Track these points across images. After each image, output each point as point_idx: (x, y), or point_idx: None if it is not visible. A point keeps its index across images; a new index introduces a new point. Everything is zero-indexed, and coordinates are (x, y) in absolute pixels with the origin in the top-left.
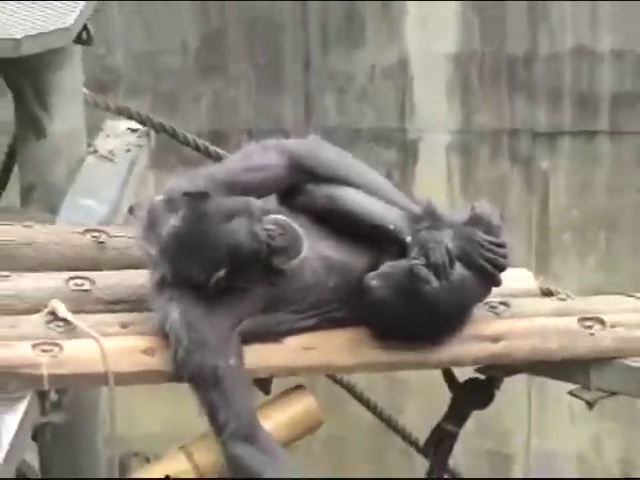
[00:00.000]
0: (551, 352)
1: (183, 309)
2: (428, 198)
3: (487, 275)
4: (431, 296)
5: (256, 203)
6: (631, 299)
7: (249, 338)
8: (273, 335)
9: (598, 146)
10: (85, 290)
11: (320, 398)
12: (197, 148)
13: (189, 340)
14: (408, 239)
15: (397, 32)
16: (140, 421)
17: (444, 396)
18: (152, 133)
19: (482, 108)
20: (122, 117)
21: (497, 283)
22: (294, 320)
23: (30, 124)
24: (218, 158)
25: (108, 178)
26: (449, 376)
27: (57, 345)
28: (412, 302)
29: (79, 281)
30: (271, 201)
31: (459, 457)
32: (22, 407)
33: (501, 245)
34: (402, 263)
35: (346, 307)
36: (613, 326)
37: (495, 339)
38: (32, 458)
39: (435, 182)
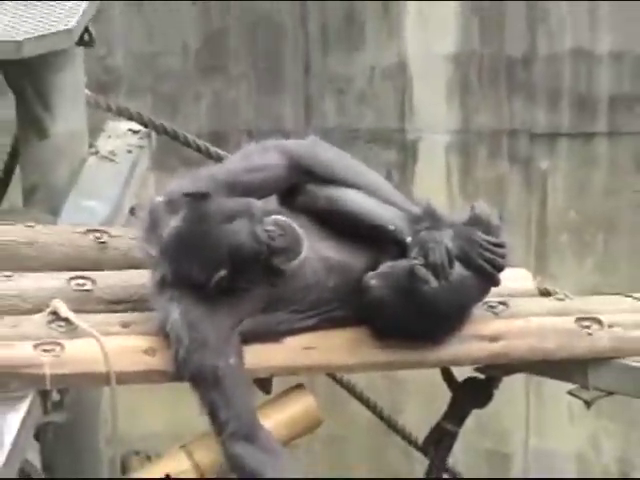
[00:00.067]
0: (549, 351)
1: (184, 309)
2: (427, 198)
3: (486, 275)
4: (430, 296)
5: (257, 204)
6: (629, 299)
7: (249, 338)
8: (273, 335)
9: (596, 147)
10: (87, 290)
11: (320, 398)
12: (198, 149)
13: (190, 340)
14: (408, 239)
15: (396, 33)
16: (141, 420)
17: (443, 395)
18: (153, 134)
19: (481, 109)
20: (123, 118)
21: (496, 283)
22: (294, 320)
23: (32, 125)
24: (218, 159)
25: (110, 179)
26: (448, 375)
27: (59, 345)
28: (411, 302)
29: (81, 281)
30: (272, 202)
31: (458, 456)
32: (24, 407)
33: (500, 245)
34: (402, 263)
35: (346, 307)
36: (610, 326)
37: (494, 339)
38: (34, 457)
39: (434, 182)
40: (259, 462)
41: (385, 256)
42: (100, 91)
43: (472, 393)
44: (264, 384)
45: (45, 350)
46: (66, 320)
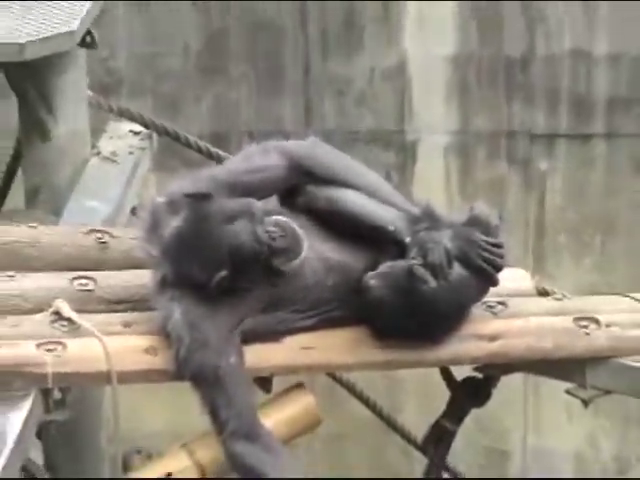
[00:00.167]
0: (547, 351)
1: (185, 309)
2: (427, 199)
3: (485, 275)
4: (429, 295)
5: (257, 205)
6: (627, 299)
7: (250, 337)
8: (273, 334)
9: (594, 148)
10: (89, 290)
11: (320, 397)
12: (199, 150)
13: (191, 339)
14: (407, 240)
15: (395, 35)
16: (143, 419)
17: (442, 394)
18: (154, 135)
19: (480, 110)
20: (125, 119)
21: (494, 283)
22: (294, 319)
23: (35, 127)
24: (219, 160)
25: (111, 179)
26: (447, 375)
27: (61, 344)
28: (410, 301)
29: (83, 281)
30: (272, 202)
31: (457, 454)
32: (26, 405)
33: (499, 245)
34: (401, 263)
35: (346, 306)
36: (608, 325)
37: (492, 338)
38: (36, 456)
39: (433, 183)
40: (260, 461)
41: (385, 256)
42: (102, 92)
43: (471, 392)
44: (264, 383)
45: (48, 349)
46: (68, 320)
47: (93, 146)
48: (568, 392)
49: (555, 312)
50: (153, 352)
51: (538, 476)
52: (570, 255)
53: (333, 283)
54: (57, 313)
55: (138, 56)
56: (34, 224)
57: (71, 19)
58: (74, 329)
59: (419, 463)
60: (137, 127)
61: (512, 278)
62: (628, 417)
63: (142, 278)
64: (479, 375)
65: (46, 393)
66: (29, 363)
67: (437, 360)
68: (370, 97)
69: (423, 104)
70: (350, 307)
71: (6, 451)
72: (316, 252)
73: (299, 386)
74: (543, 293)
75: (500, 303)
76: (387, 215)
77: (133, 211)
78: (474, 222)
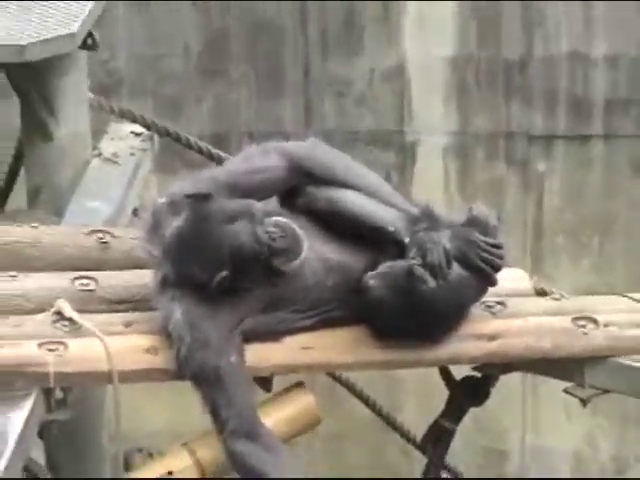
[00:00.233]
0: (545, 350)
1: (186, 309)
2: (426, 199)
3: (484, 275)
4: (428, 295)
5: (258, 205)
6: (625, 299)
7: (250, 337)
8: (274, 334)
9: (592, 150)
10: (90, 290)
11: (320, 396)
12: (199, 151)
13: (191, 339)
14: (406, 240)
15: (395, 37)
16: (144, 418)
17: (441, 394)
18: (155, 137)
19: (479, 111)
20: (126, 120)
21: (493, 283)
22: (294, 319)
23: (37, 128)
24: (220, 161)
25: (113, 180)
26: (446, 374)
27: (63, 344)
28: (410, 301)
29: (84, 281)
30: (272, 203)
31: (456, 453)
32: (28, 405)
33: (497, 246)
34: (400, 263)
35: (345, 306)
36: (606, 325)
37: (491, 338)
38: (38, 455)
39: (433, 184)
40: (260, 460)
41: (384, 256)
42: (102, 93)
43: (469, 391)
44: (265, 382)
45: (49, 349)
46: (70, 320)
47: (94, 147)
48: (566, 391)
49: (553, 312)
50: (154, 352)
51: (537, 476)
52: (568, 256)
53: (333, 283)
54: (59, 313)
55: (138, 57)
56: (36, 224)
57: (72, 21)
58: (75, 329)
59: (419, 462)
60: (138, 128)
61: (511, 278)
62: (626, 417)
63: (143, 278)
64: (478, 374)
65: (48, 393)
66: (31, 363)
67: (436, 360)
68: (370, 98)
69: (422, 105)
70: (350, 307)
71: (8, 451)
72: (316, 252)
73: (299, 385)
74: (541, 293)
75: (499, 303)
76: (387, 215)
77: (135, 212)
78: (473, 222)
